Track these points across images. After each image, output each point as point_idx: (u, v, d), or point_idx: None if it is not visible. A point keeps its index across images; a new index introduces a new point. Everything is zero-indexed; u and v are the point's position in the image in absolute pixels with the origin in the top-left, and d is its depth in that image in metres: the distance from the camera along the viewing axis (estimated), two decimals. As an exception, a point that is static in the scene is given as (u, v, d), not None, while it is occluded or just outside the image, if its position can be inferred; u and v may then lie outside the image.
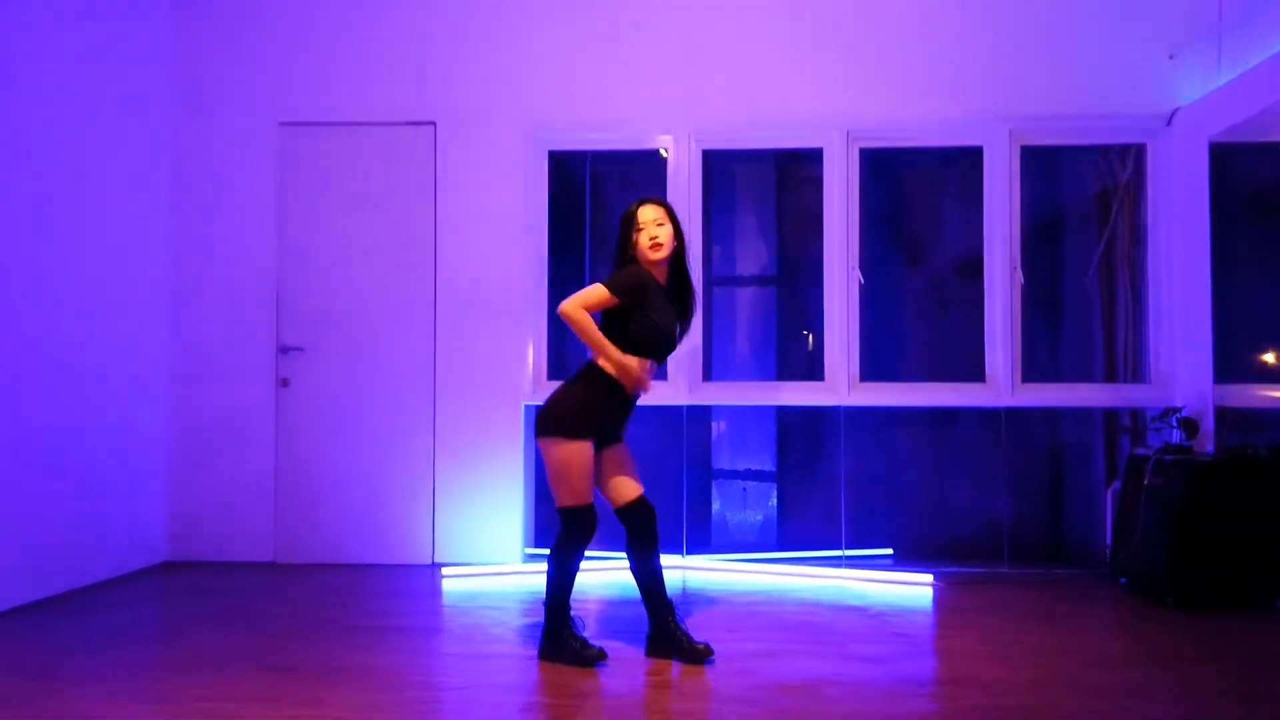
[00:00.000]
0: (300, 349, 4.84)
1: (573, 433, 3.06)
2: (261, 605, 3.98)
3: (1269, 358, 4.38)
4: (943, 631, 3.63)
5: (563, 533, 3.12)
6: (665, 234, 3.19)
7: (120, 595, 4.11)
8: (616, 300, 3.10)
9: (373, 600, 4.09)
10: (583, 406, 3.11)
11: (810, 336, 5.36)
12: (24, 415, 3.84)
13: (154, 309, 4.76)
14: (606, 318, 3.17)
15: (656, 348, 3.19)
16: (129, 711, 2.64)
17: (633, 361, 3.11)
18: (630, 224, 3.23)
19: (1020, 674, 3.02)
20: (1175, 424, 4.36)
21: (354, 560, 4.80)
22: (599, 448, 3.17)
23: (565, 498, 3.09)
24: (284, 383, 4.85)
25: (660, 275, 3.24)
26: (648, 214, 3.21)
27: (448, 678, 3.06)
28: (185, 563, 4.79)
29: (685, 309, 3.33)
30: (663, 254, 3.20)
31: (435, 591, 4.25)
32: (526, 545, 4.87)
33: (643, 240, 3.19)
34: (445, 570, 4.53)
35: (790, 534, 5.41)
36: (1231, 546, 3.90)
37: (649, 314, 3.14)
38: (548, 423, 3.10)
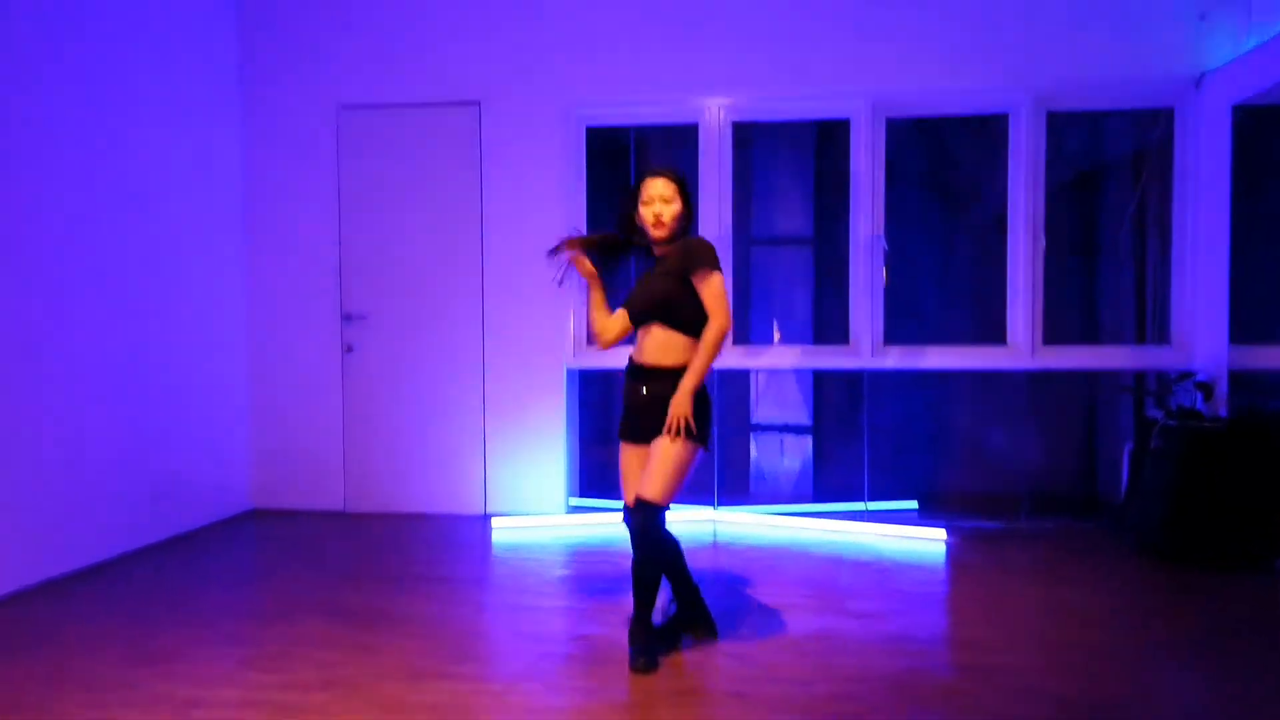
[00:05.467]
0: (363, 317, 5.26)
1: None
2: (331, 553, 4.46)
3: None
4: (942, 588, 3.89)
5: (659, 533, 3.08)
6: (670, 212, 3.11)
7: (210, 542, 4.65)
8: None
9: (430, 550, 4.52)
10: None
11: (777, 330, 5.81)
12: (124, 379, 4.35)
13: (231, 282, 5.23)
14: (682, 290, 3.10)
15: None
16: (208, 653, 3.12)
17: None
18: (635, 196, 3.18)
19: (1002, 632, 3.28)
20: (1193, 387, 4.46)
21: (415, 510, 5.27)
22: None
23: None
24: (348, 348, 5.29)
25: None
26: (655, 188, 3.13)
27: (496, 627, 3.45)
28: (268, 510, 5.34)
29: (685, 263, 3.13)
30: (662, 234, 3.13)
31: (485, 542, 4.68)
32: (570, 496, 5.26)
33: (647, 216, 3.13)
34: (495, 521, 4.97)
35: (825, 485, 5.68)
36: (1229, 509, 4.03)
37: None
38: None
